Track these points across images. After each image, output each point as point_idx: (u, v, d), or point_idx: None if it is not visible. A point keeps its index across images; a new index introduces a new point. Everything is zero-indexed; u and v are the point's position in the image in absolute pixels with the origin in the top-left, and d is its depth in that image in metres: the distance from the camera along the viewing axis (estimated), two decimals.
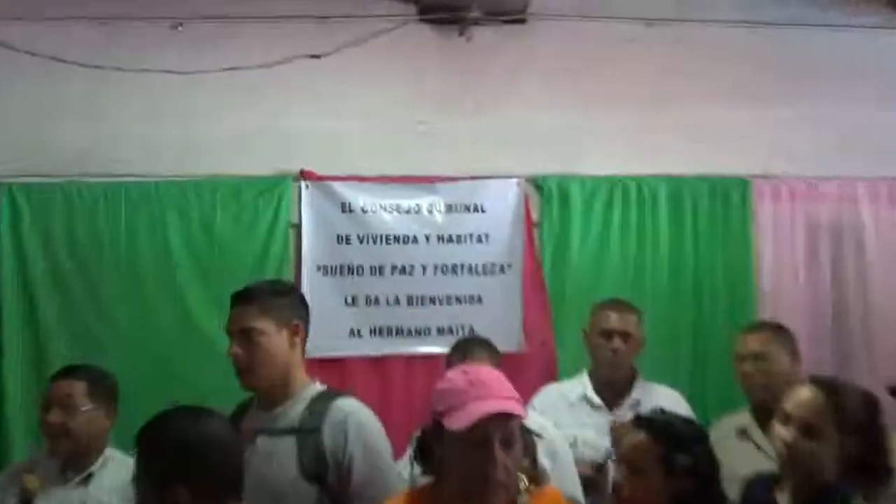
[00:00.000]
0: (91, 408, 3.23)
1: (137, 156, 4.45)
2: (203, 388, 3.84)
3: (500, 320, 4.46)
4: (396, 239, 4.47)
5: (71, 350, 4.25)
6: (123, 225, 4.41)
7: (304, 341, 2.92)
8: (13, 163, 4.37)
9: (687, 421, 2.83)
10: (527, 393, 3.57)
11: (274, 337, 2.80)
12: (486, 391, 2.17)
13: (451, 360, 3.55)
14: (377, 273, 4.48)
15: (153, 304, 4.38)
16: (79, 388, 3.17)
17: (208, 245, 4.42)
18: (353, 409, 2.78)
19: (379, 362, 4.46)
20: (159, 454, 2.38)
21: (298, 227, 4.46)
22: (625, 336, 3.75)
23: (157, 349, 4.33)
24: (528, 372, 4.35)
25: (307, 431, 2.73)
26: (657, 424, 2.70)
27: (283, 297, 2.90)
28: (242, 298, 2.85)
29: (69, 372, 3.30)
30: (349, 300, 4.45)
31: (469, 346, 3.62)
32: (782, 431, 2.80)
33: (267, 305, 2.82)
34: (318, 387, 2.87)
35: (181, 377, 4.20)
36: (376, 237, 4.48)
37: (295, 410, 2.79)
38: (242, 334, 2.82)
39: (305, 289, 4.25)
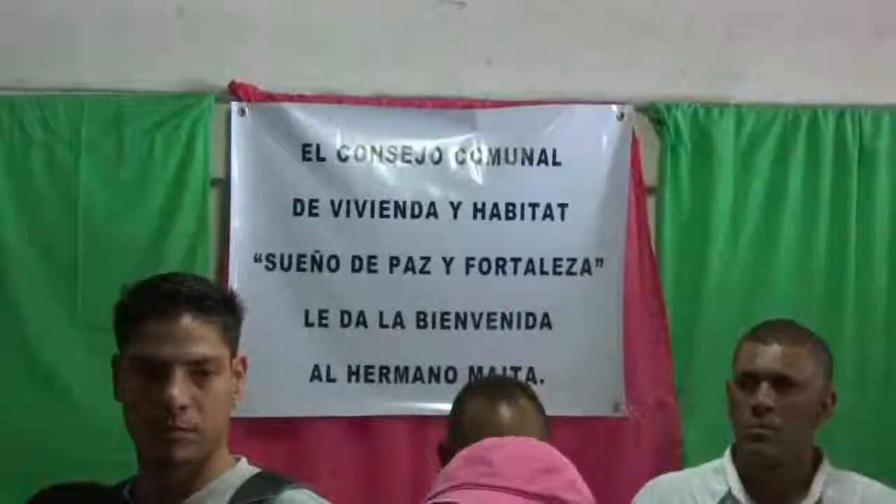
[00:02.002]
0: None
1: None
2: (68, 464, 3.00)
3: (583, 361, 3.50)
4: (400, 209, 3.48)
5: None
6: None
7: None
8: None
9: None
10: (628, 487, 3.06)
11: (226, 378, 2.19)
12: (489, 475, 1.58)
13: (467, 405, 2.70)
14: (363, 269, 3.46)
15: None
16: None
17: (64, 214, 3.35)
18: None
19: (363, 427, 3.45)
20: None
21: (226, 184, 3.45)
22: (784, 386, 2.80)
23: None
24: (632, 452, 3.52)
25: None
26: None
27: (233, 308, 2.24)
28: (187, 298, 2.14)
29: None
30: (312, 317, 3.45)
31: (502, 386, 2.81)
32: None
33: (225, 320, 2.19)
34: (245, 467, 2.22)
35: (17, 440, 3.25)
36: (364, 205, 3.47)
37: None
38: (194, 369, 2.14)
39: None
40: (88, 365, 3.09)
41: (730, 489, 2.83)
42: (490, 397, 2.63)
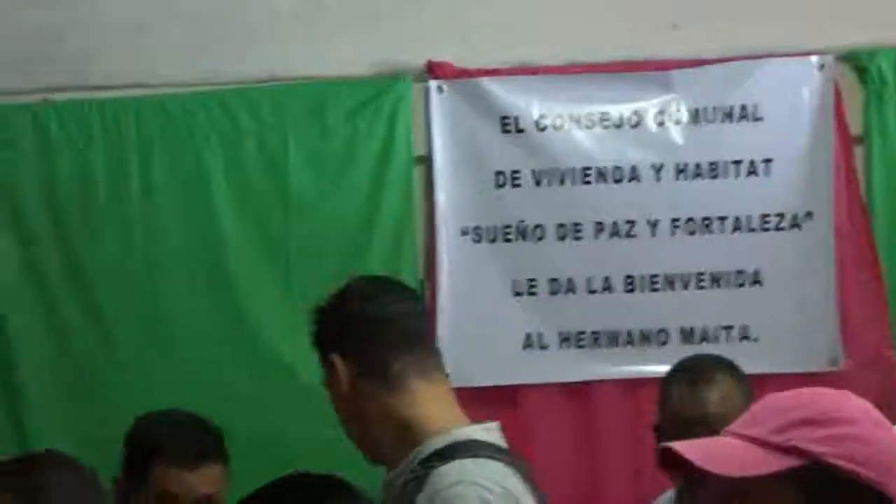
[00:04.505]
0: None
1: (139, 53, 3.41)
2: (290, 444, 3.16)
3: (798, 316, 3.39)
4: (602, 175, 3.41)
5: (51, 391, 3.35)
6: (134, 166, 3.34)
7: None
8: None
9: None
10: None
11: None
12: (744, 424, 1.61)
13: (670, 390, 2.71)
14: (569, 237, 3.42)
15: (185, 303, 3.34)
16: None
17: (275, 199, 3.38)
18: (448, 482, 2.07)
19: (577, 392, 3.43)
20: None
21: (428, 161, 3.44)
22: None
23: (188, 384, 3.23)
24: None
25: None
26: None
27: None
28: None
29: None
30: (521, 286, 3.43)
31: (703, 368, 2.76)
32: None
33: None
34: (455, 434, 2.15)
35: (241, 423, 3.02)
36: (565, 173, 3.41)
37: (399, 479, 2.18)
38: None
39: (445, 265, 3.41)
40: (307, 344, 3.04)
41: None
42: (690, 383, 2.64)
